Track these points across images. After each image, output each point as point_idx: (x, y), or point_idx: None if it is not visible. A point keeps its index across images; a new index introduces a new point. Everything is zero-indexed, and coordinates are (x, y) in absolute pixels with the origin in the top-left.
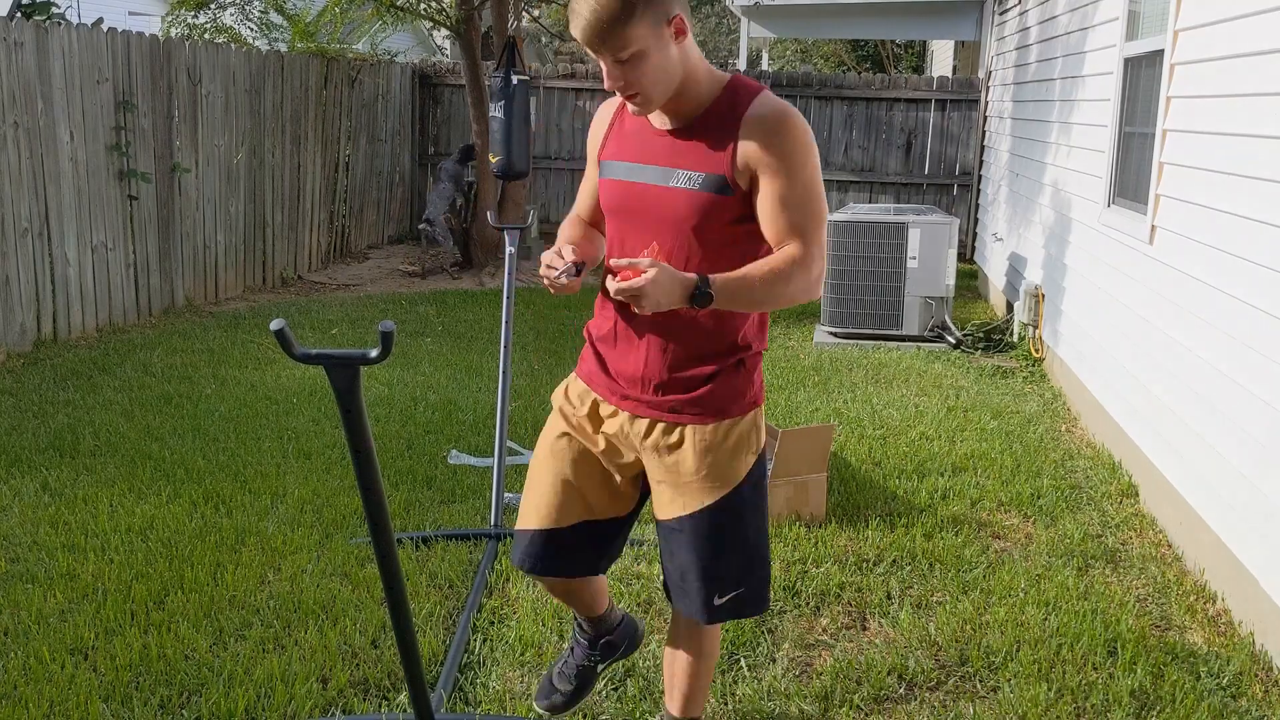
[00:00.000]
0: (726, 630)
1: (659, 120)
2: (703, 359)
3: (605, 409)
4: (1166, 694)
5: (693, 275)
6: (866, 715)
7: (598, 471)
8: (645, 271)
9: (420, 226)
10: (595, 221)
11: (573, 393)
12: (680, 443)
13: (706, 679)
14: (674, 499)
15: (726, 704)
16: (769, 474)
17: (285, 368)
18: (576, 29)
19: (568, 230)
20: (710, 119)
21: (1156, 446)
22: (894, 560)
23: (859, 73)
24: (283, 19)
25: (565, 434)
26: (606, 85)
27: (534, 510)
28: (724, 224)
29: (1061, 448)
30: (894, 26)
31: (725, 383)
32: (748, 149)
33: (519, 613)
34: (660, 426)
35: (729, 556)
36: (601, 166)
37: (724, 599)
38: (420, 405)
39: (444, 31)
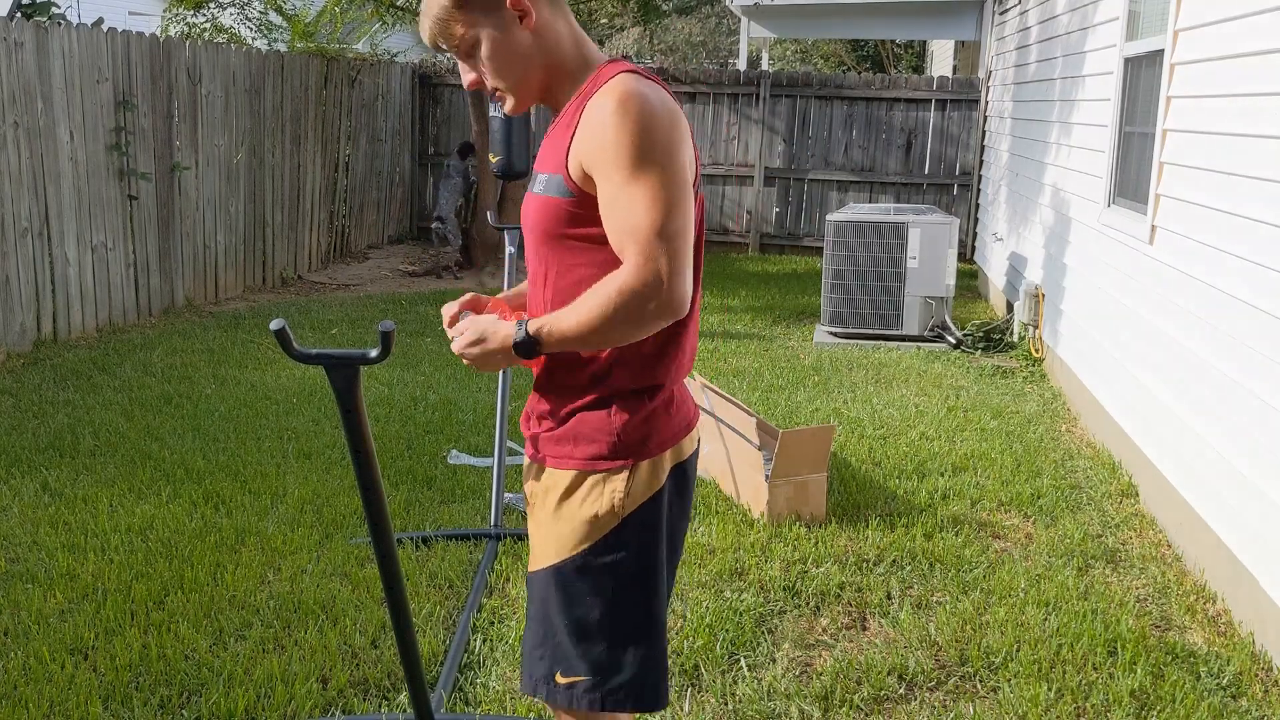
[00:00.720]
0: (727, 630)
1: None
2: (566, 390)
3: None
4: (1166, 694)
5: (510, 324)
6: (866, 715)
7: None
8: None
9: (433, 225)
10: None
11: None
12: (541, 485)
13: None
14: (531, 551)
15: (726, 704)
16: (769, 475)
17: (285, 368)
18: (420, 29)
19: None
20: (570, 110)
21: (1156, 446)
22: (894, 560)
23: (859, 73)
24: (282, 19)
25: None
26: (464, 85)
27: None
28: (571, 234)
29: (1061, 448)
30: (894, 26)
31: (579, 424)
32: (580, 141)
33: (519, 613)
34: (533, 466)
35: (569, 629)
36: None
37: (566, 680)
38: (420, 405)
39: None
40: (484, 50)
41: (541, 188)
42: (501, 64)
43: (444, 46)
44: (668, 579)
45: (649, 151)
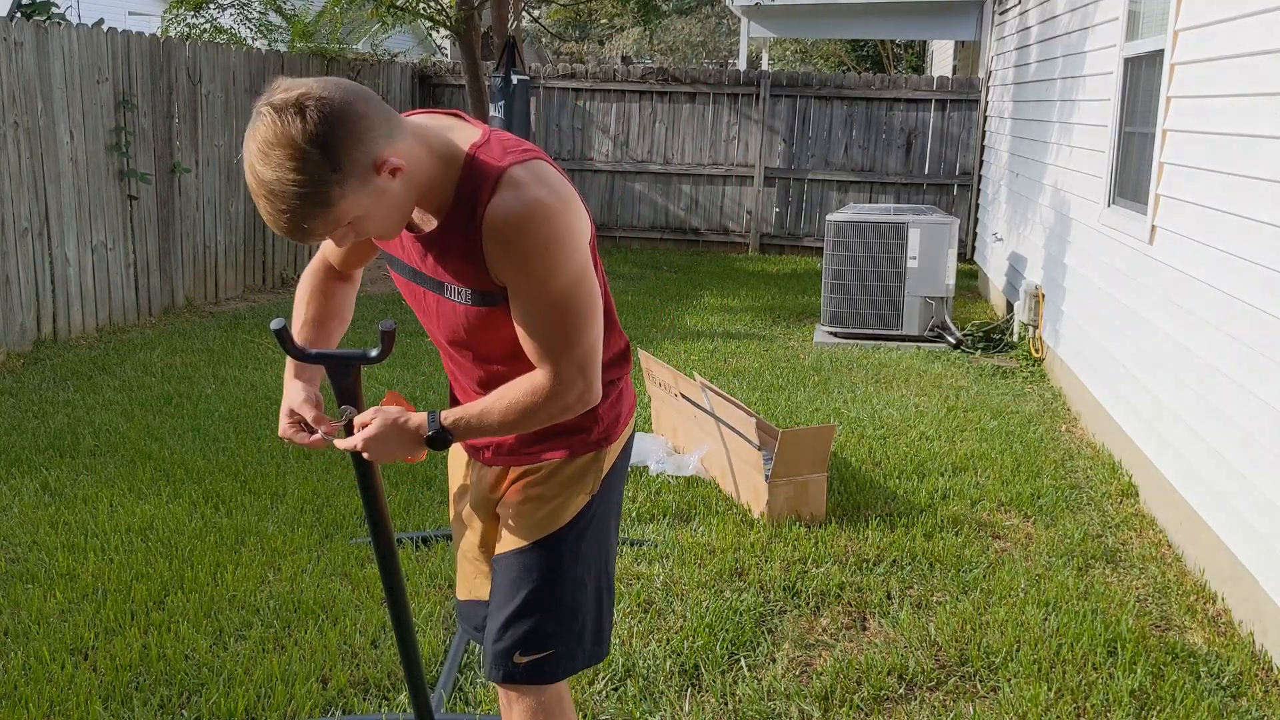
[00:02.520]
0: (727, 630)
1: (419, 216)
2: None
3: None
4: (1166, 694)
5: (423, 418)
6: (866, 715)
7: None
8: (369, 424)
9: None
10: (347, 273)
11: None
12: (510, 475)
13: None
14: (503, 535)
15: (726, 704)
16: (769, 475)
17: (285, 368)
18: (274, 226)
19: (307, 297)
20: (457, 220)
21: (1156, 446)
22: (894, 560)
23: (859, 73)
24: (282, 19)
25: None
26: (336, 246)
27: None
28: (510, 331)
29: (1061, 448)
30: (894, 26)
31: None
32: (492, 261)
33: None
34: (489, 471)
35: (542, 607)
36: (388, 258)
37: (528, 658)
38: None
39: (444, 31)
40: (364, 219)
41: (464, 299)
42: (382, 219)
43: (320, 237)
44: (615, 539)
45: (559, 261)
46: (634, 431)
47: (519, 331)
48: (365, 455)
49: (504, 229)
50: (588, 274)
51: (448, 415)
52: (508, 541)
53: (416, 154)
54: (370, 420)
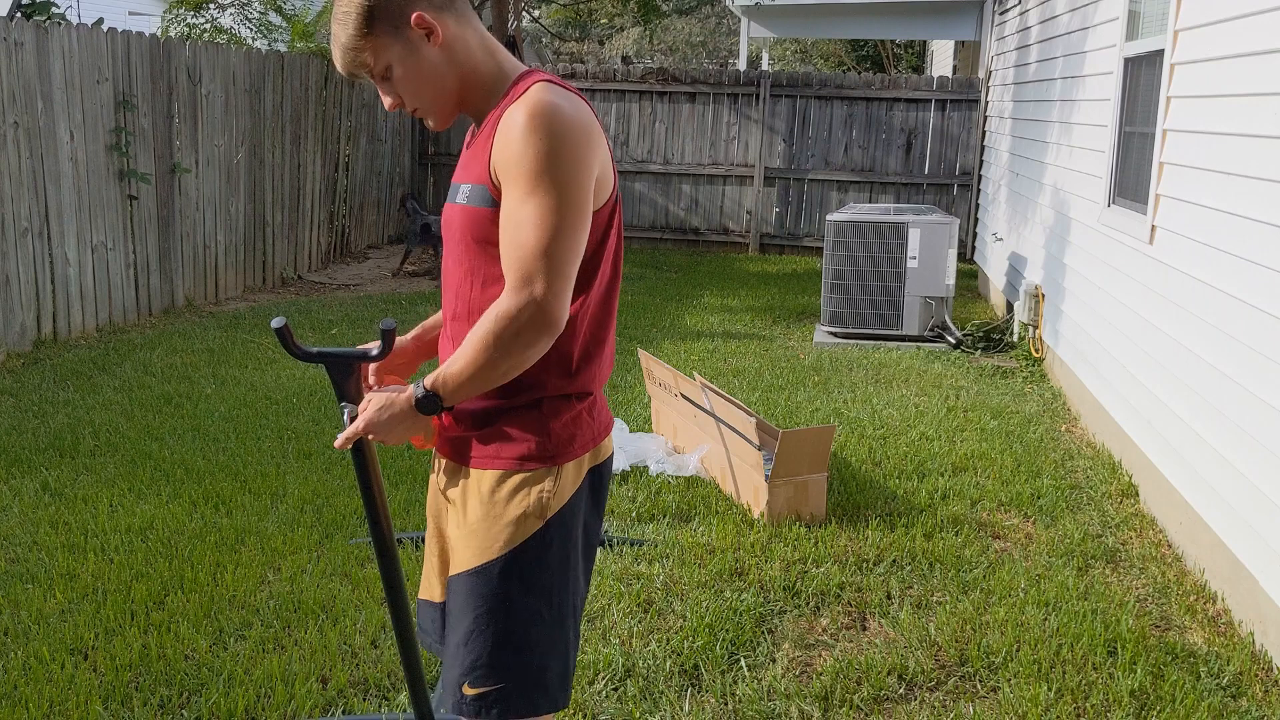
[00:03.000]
0: (727, 630)
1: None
2: (494, 393)
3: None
4: (1166, 694)
5: (411, 387)
6: (866, 715)
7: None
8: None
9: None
10: None
11: None
12: (461, 488)
13: None
14: (453, 554)
15: (726, 704)
16: (769, 475)
17: (285, 368)
18: (335, 61)
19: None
20: (492, 120)
21: (1156, 446)
22: (894, 560)
23: (859, 73)
24: (282, 19)
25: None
26: (386, 109)
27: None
28: (494, 243)
29: (1061, 448)
30: (894, 26)
31: (506, 425)
32: (496, 151)
33: None
34: (446, 465)
35: (487, 635)
36: None
37: (475, 690)
38: None
39: None
40: (397, 74)
41: (465, 198)
42: (416, 85)
43: (360, 75)
44: (584, 582)
45: (551, 170)
46: (607, 470)
47: (500, 239)
48: (370, 437)
49: (512, 119)
50: (576, 203)
51: (429, 376)
52: (459, 560)
53: (465, 39)
54: (368, 404)
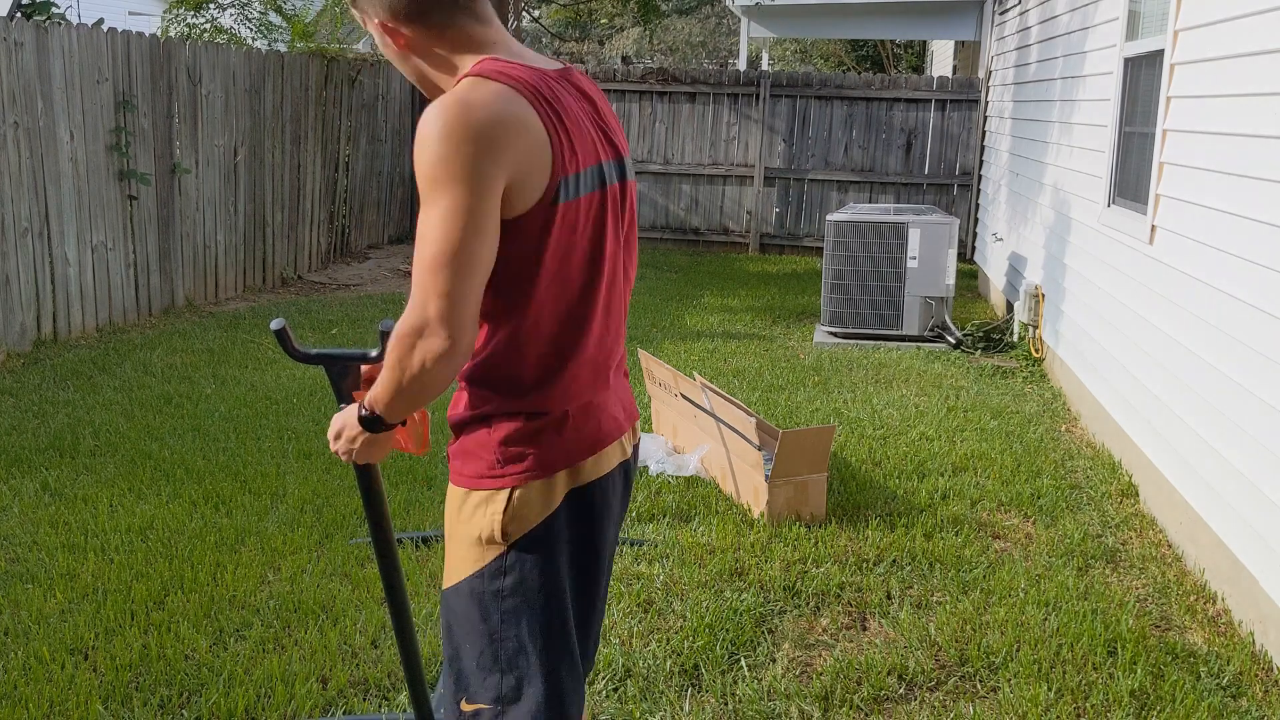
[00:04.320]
0: (727, 630)
1: None
2: (459, 405)
3: None
4: (1166, 694)
5: (356, 405)
6: (866, 715)
7: None
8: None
9: None
10: None
11: None
12: (446, 503)
13: None
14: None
15: (726, 704)
16: (769, 475)
17: (285, 368)
18: None
19: None
20: None
21: (1156, 446)
22: (894, 560)
23: (859, 73)
24: (282, 19)
25: None
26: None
27: None
28: None
29: (1061, 448)
30: (894, 26)
31: (467, 440)
32: None
33: None
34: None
35: (467, 654)
36: None
37: (471, 707)
38: None
39: None
40: (386, 53)
41: None
42: (398, 66)
43: (362, 26)
44: (585, 607)
45: (443, 176)
46: (601, 488)
47: None
48: (346, 460)
49: (420, 123)
50: (471, 205)
51: (368, 395)
52: (444, 577)
53: (430, 47)
54: (331, 428)
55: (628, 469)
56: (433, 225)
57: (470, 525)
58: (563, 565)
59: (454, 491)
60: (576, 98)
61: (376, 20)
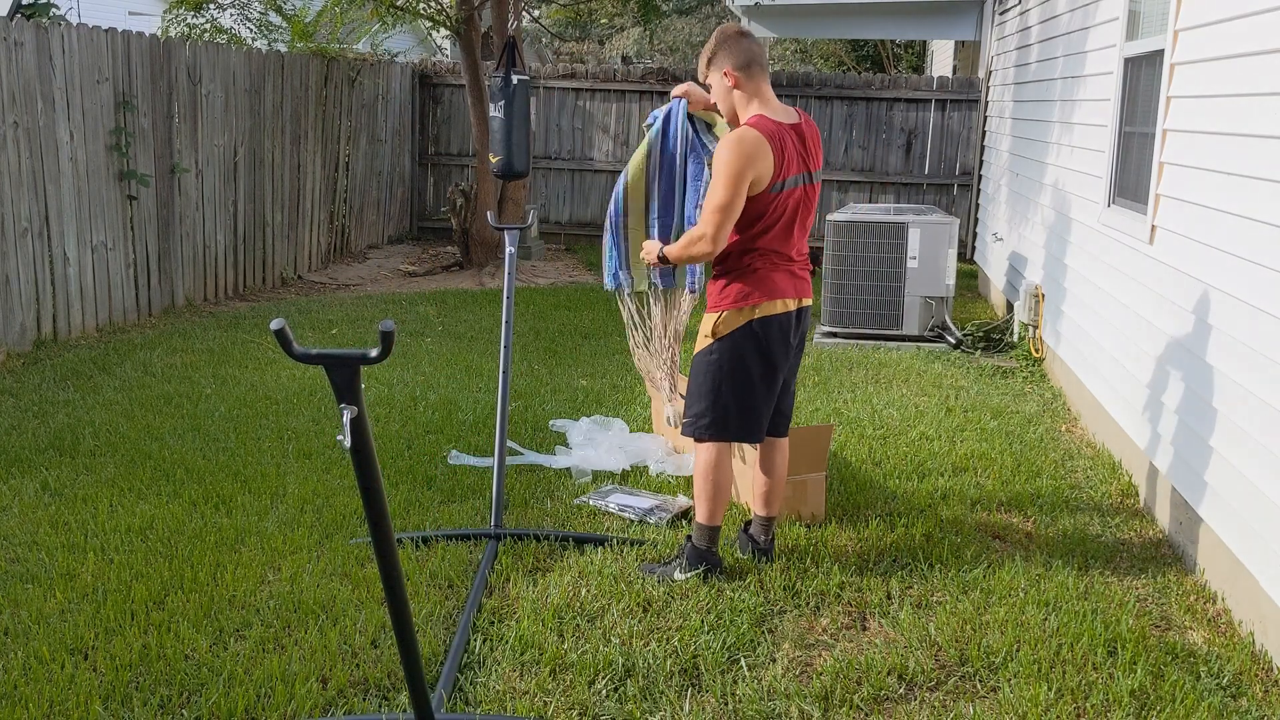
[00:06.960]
0: (727, 630)
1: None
2: (716, 274)
3: None
4: (1166, 694)
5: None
6: (866, 715)
7: None
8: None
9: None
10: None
11: None
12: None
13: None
14: None
15: (726, 704)
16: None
17: (285, 368)
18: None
19: None
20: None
21: (1156, 446)
22: (894, 560)
23: (859, 72)
24: (282, 19)
25: None
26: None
27: None
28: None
29: (1061, 447)
30: (894, 26)
31: (715, 287)
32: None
33: (519, 613)
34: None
35: (690, 390)
36: None
37: (686, 418)
38: (420, 405)
39: (444, 31)
40: (716, 93)
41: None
42: (720, 102)
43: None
44: (766, 389)
45: (722, 163)
46: (776, 322)
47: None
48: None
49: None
50: (733, 185)
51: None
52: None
53: (731, 94)
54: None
55: (801, 315)
56: (717, 191)
57: (707, 327)
58: (749, 356)
59: (709, 316)
60: (794, 139)
61: (724, 68)
